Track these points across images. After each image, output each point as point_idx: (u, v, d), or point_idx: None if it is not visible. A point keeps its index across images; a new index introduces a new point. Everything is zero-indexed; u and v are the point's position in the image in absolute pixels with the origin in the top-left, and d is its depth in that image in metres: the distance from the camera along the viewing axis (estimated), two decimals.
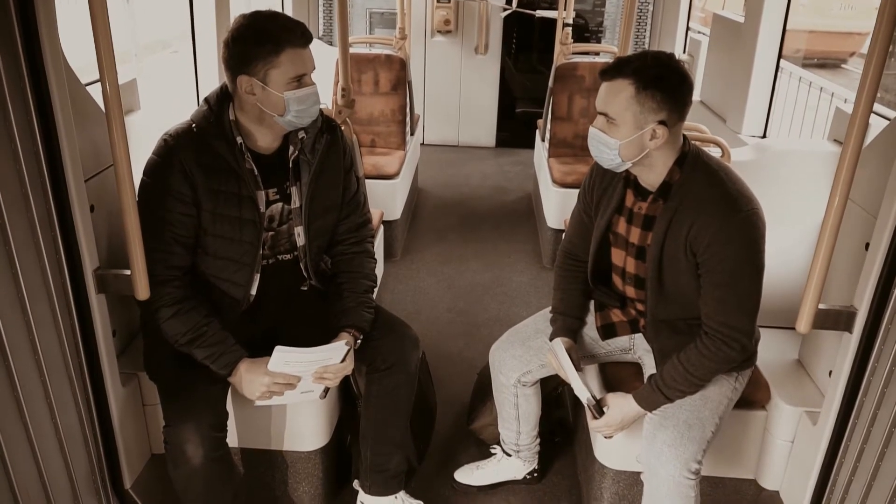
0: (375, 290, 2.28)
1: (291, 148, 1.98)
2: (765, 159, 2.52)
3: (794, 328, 1.84)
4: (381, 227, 3.74)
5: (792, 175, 2.48)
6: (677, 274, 1.85)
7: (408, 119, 4.58)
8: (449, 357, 3.20)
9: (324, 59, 4.05)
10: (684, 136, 1.84)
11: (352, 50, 4.08)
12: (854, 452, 1.85)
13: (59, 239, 1.73)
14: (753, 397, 2.15)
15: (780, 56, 3.88)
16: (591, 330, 2.18)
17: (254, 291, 2.02)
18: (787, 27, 3.83)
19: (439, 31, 6.14)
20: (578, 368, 2.00)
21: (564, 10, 4.87)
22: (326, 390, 2.01)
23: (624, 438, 2.04)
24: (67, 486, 1.84)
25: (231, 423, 2.00)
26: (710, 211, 1.75)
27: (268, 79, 1.81)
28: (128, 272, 1.82)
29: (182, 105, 2.54)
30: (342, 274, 2.14)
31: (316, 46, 1.95)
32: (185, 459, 1.84)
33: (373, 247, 2.23)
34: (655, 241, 1.84)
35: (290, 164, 1.99)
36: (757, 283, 1.80)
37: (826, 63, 10.60)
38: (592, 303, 2.18)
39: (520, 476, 2.47)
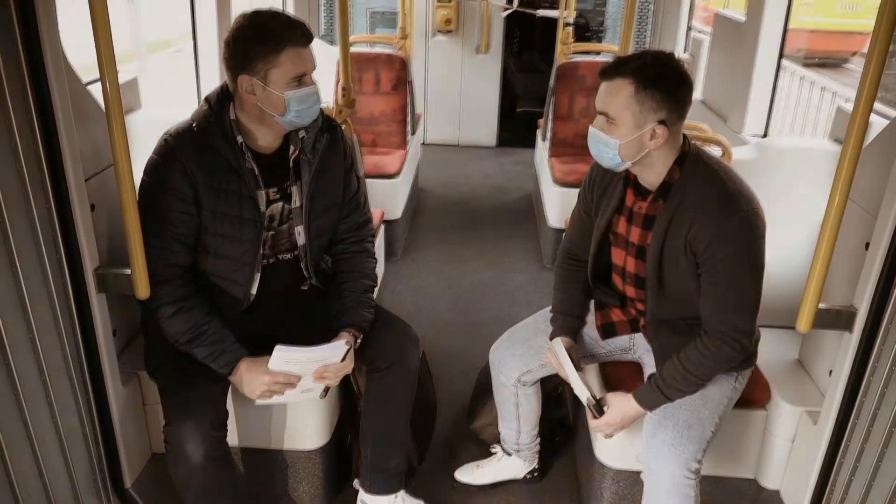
0: (376, 289, 2.28)
1: (292, 147, 1.98)
2: (766, 158, 2.52)
3: (794, 328, 1.84)
4: (382, 226, 3.75)
5: (793, 174, 2.48)
6: (677, 273, 1.85)
7: (409, 118, 4.58)
8: (449, 356, 3.20)
9: (325, 58, 4.06)
10: (684, 135, 1.84)
11: (353, 49, 4.08)
12: (854, 452, 1.85)
13: (59, 238, 1.73)
14: (753, 397, 2.15)
15: (781, 55, 3.88)
16: (591, 329, 2.18)
17: (254, 291, 2.02)
18: (789, 26, 3.82)
19: (440, 31, 6.14)
20: (578, 368, 2.00)
21: (566, 9, 4.87)
22: (327, 389, 2.01)
23: (624, 438, 2.04)
24: (68, 486, 1.85)
25: (231, 423, 2.00)
26: (710, 210, 1.75)
27: (268, 78, 1.81)
28: (128, 271, 1.82)
29: (185, 104, 2.54)
30: (342, 273, 2.14)
31: (317, 46, 1.95)
32: (186, 458, 1.84)
33: (373, 246, 2.23)
34: (655, 241, 1.84)
35: (291, 164, 1.99)
36: (756, 282, 1.80)
37: (827, 62, 10.58)
38: (592, 302, 2.18)
39: (520, 475, 2.47)
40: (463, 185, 5.51)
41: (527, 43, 6.77)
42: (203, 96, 1.93)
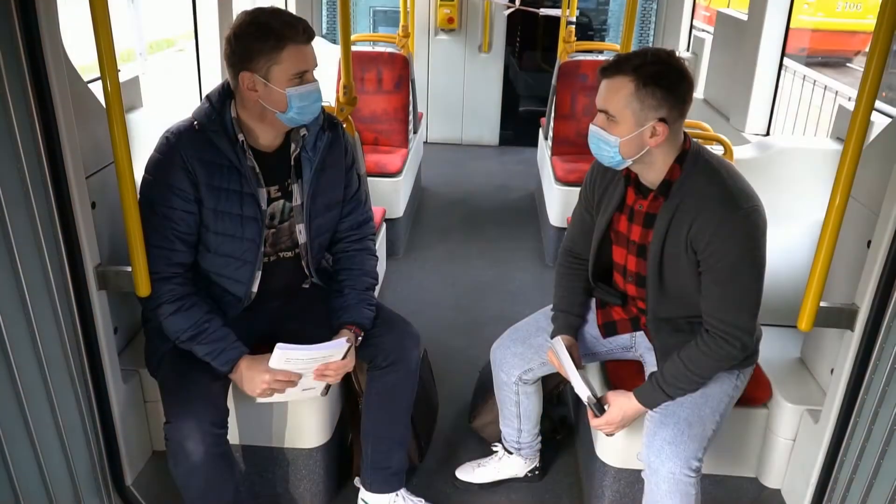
0: (377, 287, 2.28)
1: (293, 145, 1.99)
2: (768, 157, 2.52)
3: (795, 326, 1.84)
4: (384, 224, 3.75)
5: (795, 173, 2.47)
6: (678, 272, 1.84)
7: (411, 117, 4.58)
8: (451, 355, 3.20)
9: (327, 56, 4.06)
10: (685, 133, 1.84)
11: (355, 48, 4.08)
12: (855, 450, 1.84)
13: (60, 236, 1.74)
14: (755, 395, 2.14)
15: (783, 54, 3.87)
16: (592, 328, 2.18)
17: (255, 289, 2.02)
18: (791, 25, 3.82)
19: (443, 29, 6.14)
20: (579, 366, 2.00)
21: (568, 7, 4.87)
22: (328, 387, 2.01)
23: (625, 436, 2.04)
24: (68, 483, 1.85)
25: (232, 420, 2.00)
26: (711, 208, 1.74)
27: (270, 75, 1.81)
28: (129, 269, 1.83)
29: (186, 103, 2.54)
30: (343, 271, 2.14)
31: (319, 44, 1.96)
32: (186, 456, 1.84)
33: (374, 244, 2.23)
34: (656, 239, 1.84)
35: (292, 162, 1.99)
36: (757, 280, 1.79)
37: (830, 61, 10.57)
38: (593, 301, 2.18)
39: (521, 474, 2.47)
40: (465, 184, 5.50)
41: (529, 42, 6.76)
42: (205, 94, 1.94)
